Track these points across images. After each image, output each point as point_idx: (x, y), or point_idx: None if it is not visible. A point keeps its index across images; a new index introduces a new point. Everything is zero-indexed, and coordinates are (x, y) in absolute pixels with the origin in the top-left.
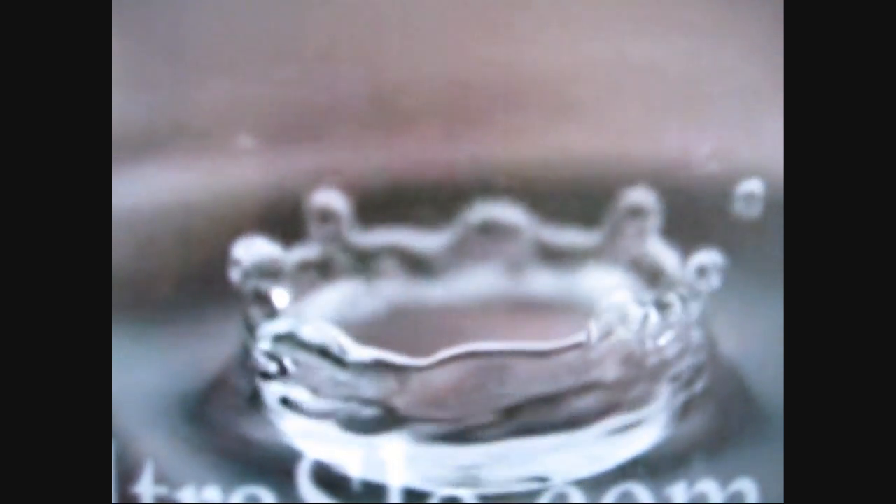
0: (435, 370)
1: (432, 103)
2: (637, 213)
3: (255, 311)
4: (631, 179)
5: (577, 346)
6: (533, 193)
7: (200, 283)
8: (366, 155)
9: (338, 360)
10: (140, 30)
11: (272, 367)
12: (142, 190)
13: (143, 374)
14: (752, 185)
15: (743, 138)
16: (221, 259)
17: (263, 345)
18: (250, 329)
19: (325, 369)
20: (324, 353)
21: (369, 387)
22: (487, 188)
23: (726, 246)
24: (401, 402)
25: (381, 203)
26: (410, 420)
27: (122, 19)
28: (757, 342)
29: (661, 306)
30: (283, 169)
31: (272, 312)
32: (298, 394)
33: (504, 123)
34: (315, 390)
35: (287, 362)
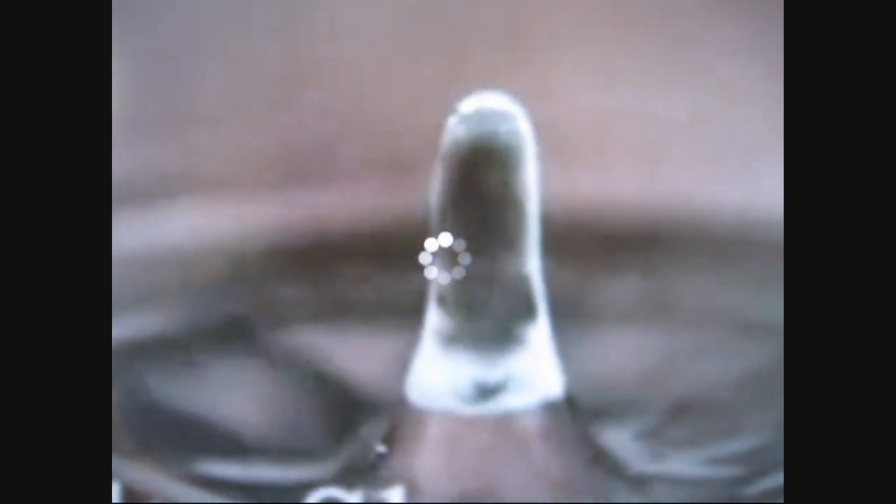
0: None
1: (434, 147)
2: None
3: None
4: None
5: None
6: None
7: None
8: (367, 197)
9: None
10: (141, 69)
11: None
12: (144, 235)
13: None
14: None
15: (743, 184)
16: (223, 299)
17: None
18: None
19: None
20: None
21: None
22: None
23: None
24: None
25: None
26: None
27: (122, 51)
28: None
29: None
30: (287, 211)
31: None
32: None
33: None
34: None
35: None
